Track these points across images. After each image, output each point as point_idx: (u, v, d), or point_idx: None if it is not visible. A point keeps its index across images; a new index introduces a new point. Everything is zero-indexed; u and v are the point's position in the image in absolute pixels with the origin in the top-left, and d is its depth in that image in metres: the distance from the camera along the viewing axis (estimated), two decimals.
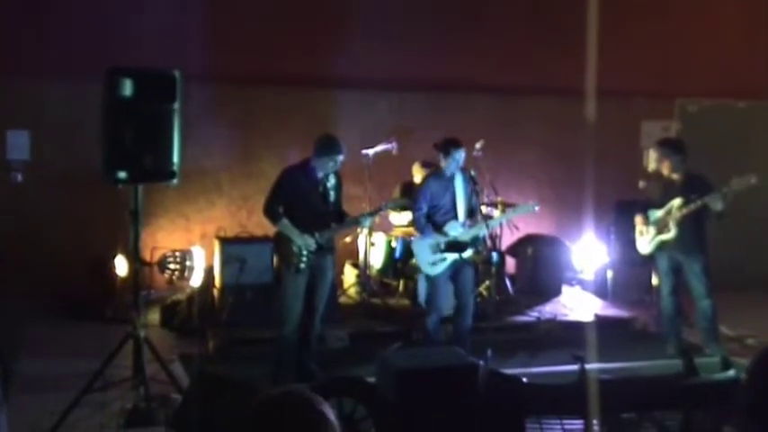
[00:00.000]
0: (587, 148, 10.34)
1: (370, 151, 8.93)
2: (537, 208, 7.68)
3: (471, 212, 7.55)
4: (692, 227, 7.86)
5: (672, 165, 7.97)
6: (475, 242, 7.72)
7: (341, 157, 6.90)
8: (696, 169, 8.00)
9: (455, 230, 7.37)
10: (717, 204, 7.61)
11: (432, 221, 7.43)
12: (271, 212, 6.92)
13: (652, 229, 8.07)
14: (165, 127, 6.17)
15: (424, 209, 7.42)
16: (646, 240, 8.15)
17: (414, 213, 7.57)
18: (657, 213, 8.03)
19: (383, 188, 9.87)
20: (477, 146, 8.68)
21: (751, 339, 8.71)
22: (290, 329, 6.91)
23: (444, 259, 7.34)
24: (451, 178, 7.42)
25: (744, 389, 5.97)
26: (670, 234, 7.95)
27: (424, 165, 8.85)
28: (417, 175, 8.99)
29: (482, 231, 7.49)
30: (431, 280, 7.49)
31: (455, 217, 7.41)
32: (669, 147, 8.08)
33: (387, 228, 9.47)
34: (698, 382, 6.13)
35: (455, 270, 7.44)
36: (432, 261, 7.38)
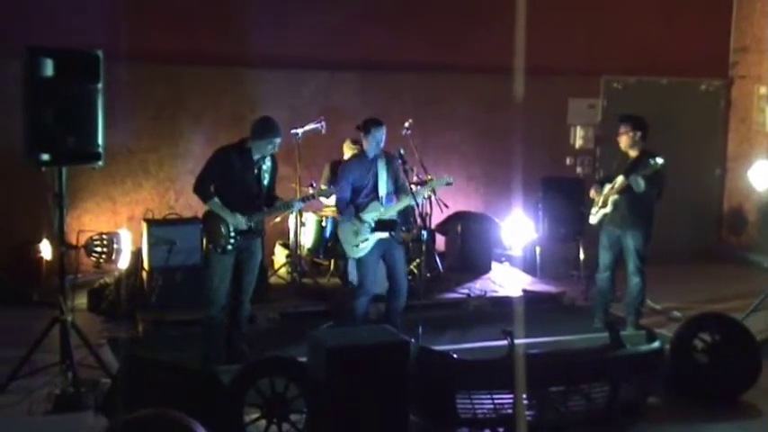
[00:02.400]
0: (515, 126, 10.43)
1: (300, 131, 8.87)
2: (451, 181, 7.73)
3: (396, 191, 7.57)
4: (630, 204, 7.99)
5: (629, 140, 8.07)
6: (405, 219, 7.73)
7: (279, 140, 6.85)
8: (648, 146, 8.09)
9: (376, 212, 7.37)
10: (638, 186, 7.75)
11: (354, 203, 7.43)
12: (201, 190, 6.84)
13: (600, 203, 8.21)
14: (89, 108, 6.06)
15: (347, 192, 7.41)
16: (594, 213, 8.30)
17: (336, 196, 7.55)
18: (606, 187, 8.16)
19: (312, 167, 9.84)
20: (406, 125, 8.69)
21: (676, 312, 8.90)
22: (218, 309, 6.85)
23: (366, 240, 7.35)
24: (374, 160, 7.43)
25: (667, 360, 6.11)
26: (607, 210, 8.12)
27: (354, 142, 8.85)
28: (348, 152, 8.99)
29: (411, 202, 7.49)
30: (359, 262, 7.48)
31: (376, 198, 7.43)
32: (629, 122, 8.12)
33: (317, 207, 9.45)
34: (624, 355, 6.28)
35: (385, 251, 7.45)
36: (354, 243, 7.39)
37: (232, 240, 6.76)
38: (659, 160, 7.66)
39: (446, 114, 11.03)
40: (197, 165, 7.08)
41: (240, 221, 6.74)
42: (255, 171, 6.88)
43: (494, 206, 11.14)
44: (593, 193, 8.38)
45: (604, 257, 8.33)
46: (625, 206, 8.01)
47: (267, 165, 6.96)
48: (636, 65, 11.64)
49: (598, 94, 11.70)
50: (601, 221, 8.28)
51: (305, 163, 9.21)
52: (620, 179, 7.96)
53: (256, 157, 6.85)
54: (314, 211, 9.31)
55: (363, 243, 7.35)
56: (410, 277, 8.96)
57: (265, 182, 6.96)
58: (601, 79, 11.69)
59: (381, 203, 7.41)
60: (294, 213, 8.90)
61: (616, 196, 8.04)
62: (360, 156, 7.62)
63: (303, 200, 7.32)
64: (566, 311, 9.14)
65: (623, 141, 8.11)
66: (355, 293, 7.58)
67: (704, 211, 12.32)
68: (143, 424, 2.24)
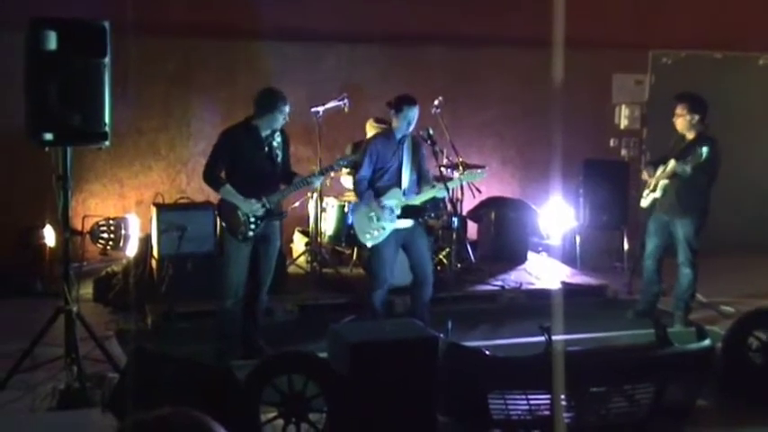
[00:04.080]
0: (554, 105, 10.38)
1: (320, 109, 8.89)
2: (485, 174, 7.73)
3: (419, 180, 7.58)
4: (680, 191, 7.98)
5: (685, 123, 8.05)
6: (434, 205, 7.75)
7: (287, 108, 6.88)
8: (708, 129, 8.07)
9: (395, 199, 7.38)
10: (684, 172, 7.73)
11: (373, 187, 7.45)
12: (211, 178, 6.89)
13: (651, 186, 8.21)
14: (95, 84, 6.09)
15: (368, 172, 7.43)
16: (644, 196, 8.30)
17: (355, 175, 7.58)
18: (659, 170, 8.15)
19: (334, 148, 9.86)
20: (436, 103, 8.67)
21: (728, 307, 8.88)
22: (234, 302, 6.91)
23: (383, 229, 7.36)
24: (401, 142, 7.44)
25: (718, 359, 6.07)
26: (657, 194, 8.12)
27: (378, 121, 8.85)
28: (371, 132, 9.00)
29: (441, 193, 7.52)
30: (373, 251, 7.51)
31: (398, 184, 7.45)
32: (686, 103, 8.10)
33: (339, 192, 9.48)
34: (671, 353, 6.25)
35: (405, 240, 7.48)
36: (368, 231, 7.39)
37: (252, 226, 6.82)
38: (704, 150, 7.63)
39: (479, 91, 11.03)
40: (210, 145, 7.13)
41: (255, 208, 6.78)
42: (266, 149, 6.93)
43: (530, 191, 11.14)
44: (645, 175, 8.38)
45: (650, 244, 8.36)
46: (674, 192, 8.00)
47: (278, 141, 7.00)
48: (687, 37, 11.54)
49: (645, 69, 11.64)
50: (651, 206, 8.28)
51: (325, 144, 9.24)
52: (671, 163, 7.93)
53: (265, 133, 6.89)
54: (335, 196, 9.35)
55: (377, 231, 7.37)
56: (439, 268, 9.00)
57: (278, 159, 7.00)
58: (649, 53, 11.63)
59: (403, 192, 7.44)
60: (314, 197, 8.95)
61: (666, 181, 8.02)
62: (386, 133, 7.61)
63: (323, 172, 7.35)
64: (608, 306, 9.14)
65: (679, 124, 8.08)
66: (371, 286, 7.61)
67: (762, 197, 12.21)
68: (161, 425, 2.23)
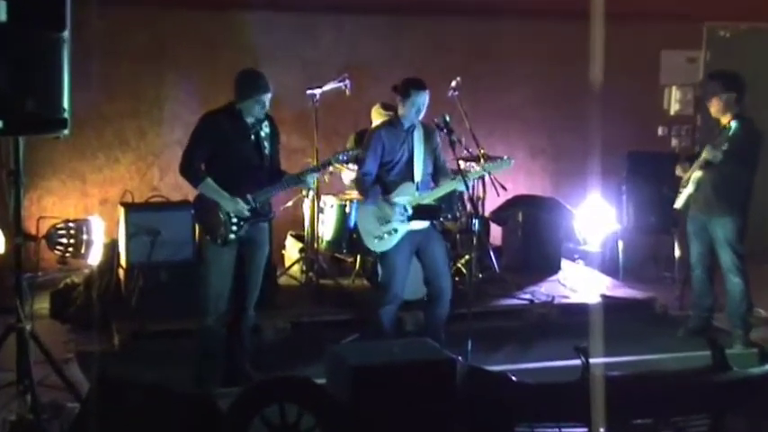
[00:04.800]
0: (592, 86, 10.37)
1: (317, 92, 8.89)
2: (511, 163, 7.67)
3: (435, 174, 7.57)
4: (715, 184, 7.98)
5: (719, 105, 8.03)
6: (450, 204, 7.72)
7: (267, 97, 6.86)
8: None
9: (408, 196, 7.37)
10: (715, 158, 7.72)
11: (381, 182, 7.45)
12: (190, 171, 6.86)
13: (684, 181, 8.21)
14: (52, 62, 6.06)
15: (373, 167, 7.43)
16: (679, 194, 8.29)
17: (359, 170, 7.58)
18: (694, 164, 8.14)
19: (334, 138, 9.86)
20: (453, 84, 8.66)
21: None
22: (215, 319, 6.90)
23: (394, 231, 7.33)
24: (410, 130, 7.44)
25: None
26: (690, 190, 8.10)
27: (387, 108, 8.83)
28: (378, 120, 8.99)
29: (460, 185, 7.47)
30: (384, 258, 7.49)
31: (410, 178, 7.44)
32: (718, 82, 8.10)
33: (339, 189, 9.48)
34: (729, 379, 6.23)
35: (419, 245, 7.47)
36: (377, 234, 7.38)
37: (234, 228, 6.79)
38: (732, 125, 7.65)
39: (504, 70, 11.03)
40: (187, 133, 7.10)
41: (241, 208, 6.76)
42: (252, 139, 6.92)
43: (565, 188, 11.13)
44: (679, 170, 8.36)
45: (693, 250, 8.36)
46: (710, 186, 8.00)
47: (266, 130, 6.97)
48: (748, 7, 11.52)
49: (700, 44, 11.63)
50: (687, 205, 8.27)
51: (324, 133, 9.22)
52: (705, 151, 7.93)
53: (250, 120, 6.88)
54: (335, 194, 9.35)
55: (389, 234, 7.36)
56: (457, 278, 8.99)
57: (266, 151, 6.97)
58: (703, 26, 11.62)
59: (416, 187, 7.44)
60: (310, 195, 8.94)
61: (699, 173, 8.00)
62: (392, 122, 7.60)
63: (317, 169, 7.32)
64: (656, 323, 9.12)
65: (713, 106, 8.07)
66: (379, 299, 7.60)
67: None
68: None
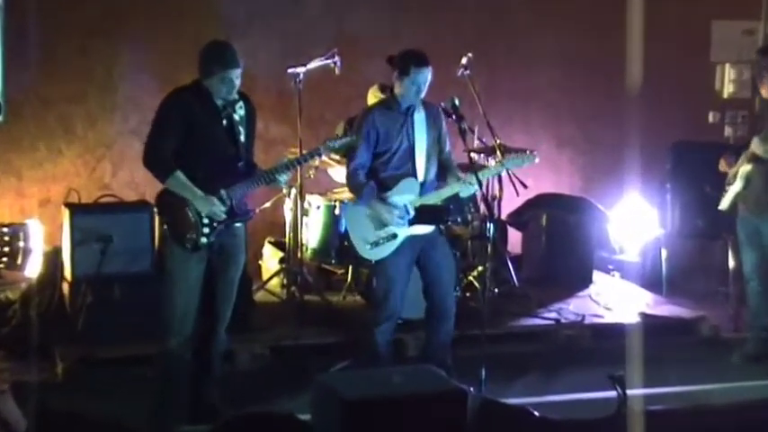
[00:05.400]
0: (629, 64, 10.40)
1: (300, 71, 8.89)
2: (536, 158, 7.66)
3: (442, 167, 7.57)
4: (766, 179, 8.02)
5: None
6: (459, 204, 7.71)
7: (235, 73, 6.80)
8: None
9: (410, 194, 7.38)
10: (766, 151, 7.75)
11: (376, 178, 7.45)
12: (158, 160, 6.77)
13: (731, 177, 8.23)
14: None
15: (366, 158, 7.38)
16: (725, 193, 8.31)
17: (348, 164, 7.57)
18: (741, 157, 8.16)
19: (320, 126, 9.88)
20: (464, 61, 8.67)
21: None
22: (180, 342, 6.87)
23: (393, 237, 7.32)
24: (409, 112, 7.41)
25: None
26: (737, 187, 8.12)
27: (385, 90, 8.83)
28: None
29: (470, 189, 7.47)
30: (379, 267, 7.46)
31: (411, 173, 7.43)
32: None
33: (326, 187, 9.49)
34: None
35: (421, 251, 7.46)
36: (373, 240, 7.37)
37: (207, 230, 6.74)
38: None
39: (525, 46, 11.05)
40: (144, 121, 7.13)
41: (216, 208, 6.73)
42: (225, 122, 6.89)
43: (597, 186, 11.16)
44: (722, 164, 8.38)
45: (746, 259, 8.39)
46: (761, 182, 8.03)
47: (240, 113, 6.91)
48: None
49: (759, 14, 11.64)
50: (734, 205, 8.29)
51: (309, 119, 9.24)
52: (753, 143, 7.96)
53: (220, 101, 6.85)
54: (322, 193, 9.37)
55: (386, 240, 7.35)
56: (468, 294, 9.01)
57: (241, 137, 6.93)
58: None
59: (419, 184, 7.42)
60: (292, 196, 8.95)
61: (748, 167, 8.03)
62: (388, 102, 7.55)
63: (299, 161, 7.25)
64: (706, 346, 9.15)
65: (765, 88, 8.10)
66: (374, 318, 7.58)
67: None
68: None
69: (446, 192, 7.47)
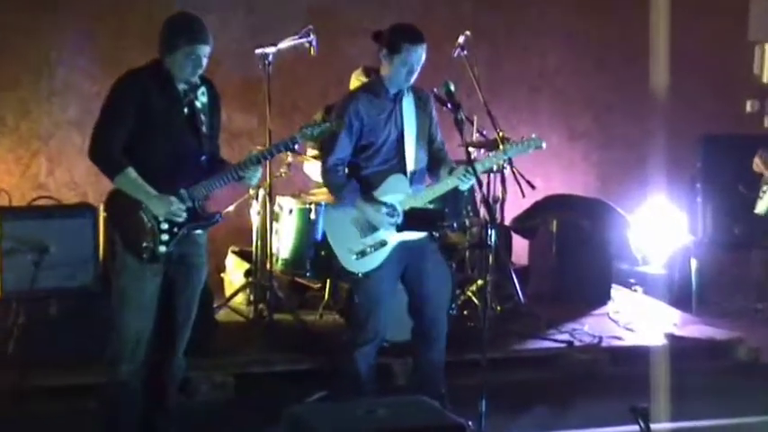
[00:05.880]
0: (653, 45, 10.45)
1: (270, 51, 8.89)
2: (542, 144, 7.62)
3: (433, 159, 7.55)
4: None
5: None
6: (455, 206, 7.68)
7: (204, 50, 6.77)
8: None
9: (399, 193, 7.36)
10: None
11: (357, 175, 7.43)
12: (107, 154, 6.70)
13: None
14: None
15: (346, 152, 7.31)
16: (761, 196, 8.33)
17: (325, 159, 7.51)
18: None
19: (294, 115, 9.88)
20: (461, 40, 8.69)
21: None
22: (132, 369, 6.84)
23: (381, 245, 7.31)
24: (398, 98, 7.37)
25: None
26: None
27: (370, 74, 8.83)
28: None
29: (468, 180, 7.43)
30: (362, 283, 7.38)
31: (399, 167, 7.41)
32: None
33: (300, 187, 9.49)
34: None
35: (409, 263, 7.43)
36: (359, 249, 7.33)
37: (165, 237, 6.71)
38: None
39: (532, 23, 11.07)
40: (86, 109, 7.14)
41: (175, 209, 6.69)
42: (186, 111, 6.86)
43: (616, 186, 11.19)
44: (758, 163, 8.40)
45: None
46: None
47: (203, 100, 6.87)
48: None
49: None
50: None
51: (279, 109, 9.26)
52: None
53: (182, 85, 6.83)
54: (295, 194, 9.37)
55: (374, 249, 7.34)
56: (466, 312, 9.02)
57: (204, 128, 6.90)
58: None
59: (409, 181, 7.42)
60: (260, 197, 8.94)
61: None
62: (373, 87, 7.48)
63: (271, 152, 7.17)
64: (742, 373, 9.17)
65: None
66: (354, 338, 7.54)
67: None
68: None
69: (440, 188, 7.38)
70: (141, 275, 6.69)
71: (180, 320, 6.96)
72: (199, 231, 6.87)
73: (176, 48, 6.61)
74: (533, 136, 7.36)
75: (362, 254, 7.25)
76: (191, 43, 6.60)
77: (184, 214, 6.65)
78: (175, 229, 6.67)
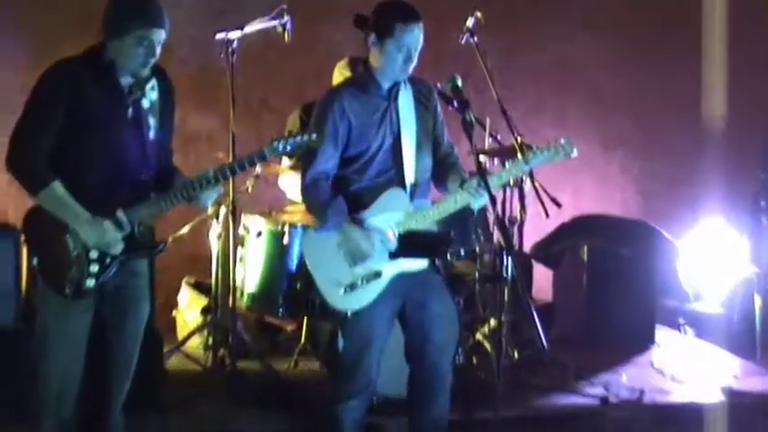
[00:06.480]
0: (704, 35, 10.45)
1: (234, 36, 8.86)
2: (572, 152, 7.53)
3: (440, 166, 7.48)
4: None
5: None
6: (462, 228, 7.64)
7: (159, 35, 6.72)
8: None
9: (398, 211, 7.28)
10: None
11: (345, 191, 7.33)
12: (29, 165, 6.65)
13: None
14: None
15: (329, 163, 7.21)
16: None
17: (305, 171, 7.41)
18: None
19: (263, 116, 9.86)
20: (469, 23, 8.66)
21: None
22: (57, 426, 6.82)
23: (374, 276, 7.23)
24: (392, 94, 7.29)
25: None
26: None
27: (357, 66, 8.78)
28: None
29: (483, 198, 7.35)
30: (354, 322, 7.28)
31: (397, 179, 7.31)
32: None
33: (271, 203, 9.45)
34: None
35: (407, 298, 7.33)
36: (348, 281, 7.24)
37: (95, 268, 6.67)
38: None
39: (557, 6, 11.05)
40: (13, 109, 7.01)
41: (109, 237, 6.65)
42: (130, 112, 6.80)
43: (662, 205, 11.17)
44: None
45: None
46: None
47: (152, 97, 6.83)
48: None
49: None
50: None
51: (246, 107, 9.25)
52: None
53: (126, 80, 6.77)
54: (265, 213, 9.34)
55: (366, 281, 7.26)
56: (475, 359, 8.97)
57: (151, 135, 6.85)
58: None
59: (409, 197, 7.31)
60: (221, 217, 8.90)
61: None
62: (361, 81, 7.40)
63: (232, 170, 7.08)
64: None
65: None
66: (339, 390, 7.46)
67: None
68: None
69: (449, 206, 7.24)
70: (65, 313, 6.62)
71: (116, 368, 6.88)
72: (139, 261, 6.80)
73: (126, 31, 6.50)
74: (561, 141, 7.20)
75: (352, 288, 7.11)
76: (145, 27, 6.50)
77: (120, 245, 6.54)
78: (108, 260, 6.56)
